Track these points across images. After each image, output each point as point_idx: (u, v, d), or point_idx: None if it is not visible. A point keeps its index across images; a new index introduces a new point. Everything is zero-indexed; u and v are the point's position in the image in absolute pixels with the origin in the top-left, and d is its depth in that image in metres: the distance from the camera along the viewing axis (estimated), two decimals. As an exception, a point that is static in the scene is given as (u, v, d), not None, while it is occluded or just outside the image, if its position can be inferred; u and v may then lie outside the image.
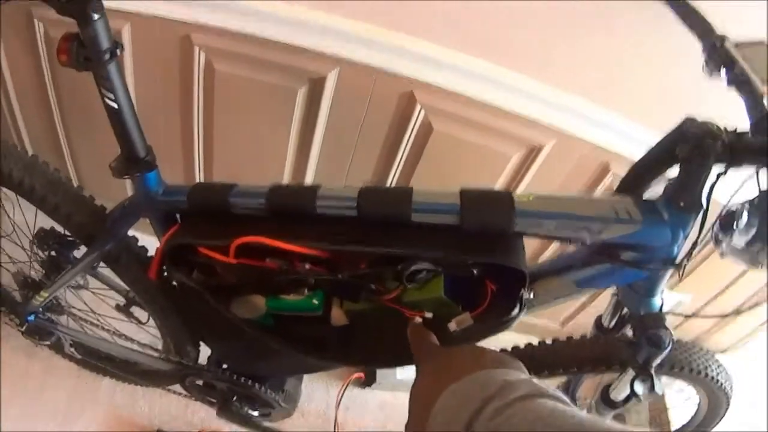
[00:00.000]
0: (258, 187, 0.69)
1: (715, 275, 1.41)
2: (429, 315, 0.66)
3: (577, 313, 1.61)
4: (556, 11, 0.90)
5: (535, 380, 0.44)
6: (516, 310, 0.64)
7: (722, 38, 0.74)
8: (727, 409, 1.08)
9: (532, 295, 0.67)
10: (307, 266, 0.66)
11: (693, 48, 0.76)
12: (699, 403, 1.12)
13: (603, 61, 0.98)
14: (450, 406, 0.44)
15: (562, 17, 0.91)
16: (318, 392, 1.49)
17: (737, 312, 0.79)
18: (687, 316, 0.82)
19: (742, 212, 0.62)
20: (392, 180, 1.21)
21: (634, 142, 1.06)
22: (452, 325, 0.64)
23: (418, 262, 0.62)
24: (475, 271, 0.63)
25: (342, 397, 1.14)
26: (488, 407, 0.39)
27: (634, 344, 0.79)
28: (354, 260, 0.66)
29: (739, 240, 0.62)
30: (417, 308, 0.66)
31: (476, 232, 0.62)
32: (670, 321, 0.75)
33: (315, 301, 0.70)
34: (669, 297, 1.46)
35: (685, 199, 0.64)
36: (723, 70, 0.73)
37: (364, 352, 0.72)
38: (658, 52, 0.95)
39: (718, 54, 0.73)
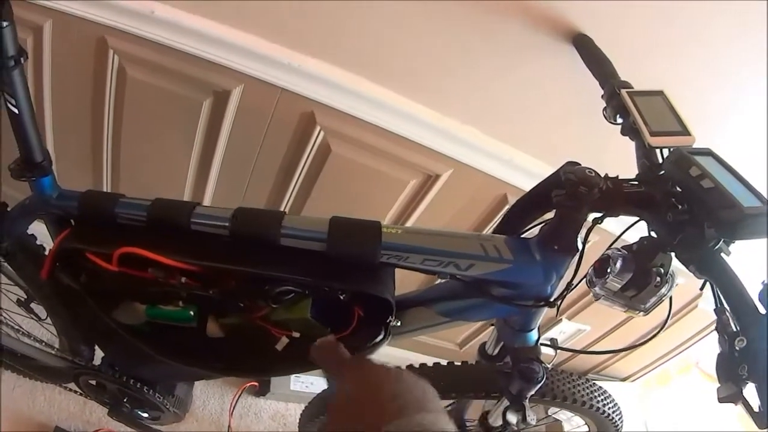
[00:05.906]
0: (141, 200, 0.71)
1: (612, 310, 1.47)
2: (296, 335, 0.68)
3: (477, 335, 1.64)
4: (459, 46, 0.93)
5: None
6: (381, 337, 0.67)
7: (622, 85, 0.74)
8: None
9: (399, 323, 0.70)
10: (183, 280, 0.68)
11: (597, 92, 0.79)
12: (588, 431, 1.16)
13: (506, 98, 1.02)
14: None
15: (465, 52, 0.94)
16: (213, 399, 1.48)
17: (619, 350, 0.82)
18: (576, 352, 0.85)
19: (617, 258, 0.62)
20: (288, 199, 1.21)
21: (534, 177, 1.08)
22: (316, 346, 0.66)
23: (283, 284, 0.64)
24: (342, 296, 0.65)
25: (235, 404, 1.14)
26: None
27: (509, 375, 0.80)
28: (225, 277, 0.67)
29: (614, 284, 0.63)
30: (285, 327, 0.69)
31: (343, 259, 0.64)
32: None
33: (190, 313, 0.72)
34: (569, 326, 1.53)
35: (559, 243, 0.65)
36: (619, 118, 0.74)
37: (235, 363, 0.74)
38: (563, 95, 0.99)
39: (617, 101, 0.73)
